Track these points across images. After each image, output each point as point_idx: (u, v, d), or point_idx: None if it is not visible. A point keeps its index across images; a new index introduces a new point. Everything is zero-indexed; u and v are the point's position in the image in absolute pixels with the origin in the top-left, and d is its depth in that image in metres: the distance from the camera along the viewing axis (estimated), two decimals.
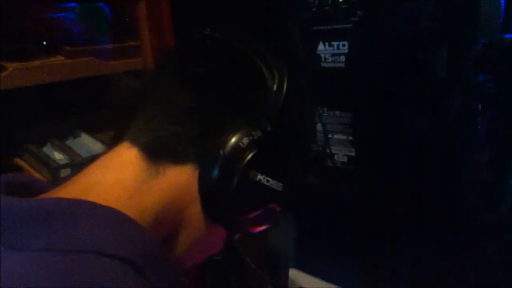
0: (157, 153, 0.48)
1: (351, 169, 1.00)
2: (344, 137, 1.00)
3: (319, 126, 1.01)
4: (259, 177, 0.49)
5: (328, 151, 1.01)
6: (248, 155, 0.48)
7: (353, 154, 1.00)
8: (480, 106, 0.91)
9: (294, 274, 1.01)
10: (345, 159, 1.01)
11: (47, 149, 0.81)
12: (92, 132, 0.86)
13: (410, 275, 0.95)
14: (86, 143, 0.84)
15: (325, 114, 1.00)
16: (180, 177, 0.48)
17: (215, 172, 0.47)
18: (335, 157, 1.01)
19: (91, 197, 0.45)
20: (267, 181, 0.49)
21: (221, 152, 0.47)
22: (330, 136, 1.01)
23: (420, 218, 0.95)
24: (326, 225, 1.04)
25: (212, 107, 0.49)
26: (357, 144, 0.99)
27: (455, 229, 0.91)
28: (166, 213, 0.47)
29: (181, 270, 0.50)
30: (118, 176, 0.47)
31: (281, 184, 0.50)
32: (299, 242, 1.08)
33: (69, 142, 0.83)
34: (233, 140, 0.48)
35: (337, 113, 0.99)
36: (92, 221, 0.43)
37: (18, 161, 0.78)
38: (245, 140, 0.48)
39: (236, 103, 0.49)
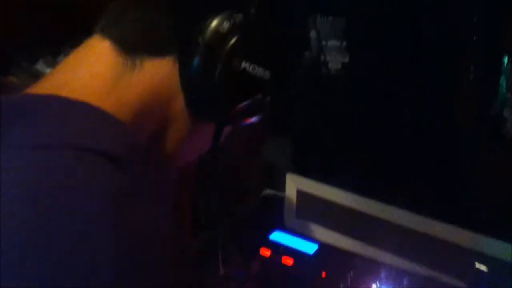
0: (132, 45, 0.45)
1: (345, 76, 1.00)
2: (338, 43, 0.99)
3: (312, 33, 1.00)
4: (244, 64, 0.46)
5: (322, 58, 1.00)
6: (229, 41, 0.45)
7: (347, 60, 1.00)
8: None
9: (292, 178, 1.05)
10: (339, 66, 1.01)
11: (40, 67, 0.83)
12: None
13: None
14: None
15: (318, 20, 0.98)
16: (159, 70, 0.46)
17: (196, 62, 0.45)
18: (329, 64, 1.01)
19: (65, 93, 0.43)
20: (253, 68, 0.46)
21: (201, 40, 0.45)
22: (323, 43, 1.00)
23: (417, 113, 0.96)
24: (323, 130, 1.06)
25: None
26: (351, 51, 0.99)
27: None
28: (148, 109, 0.46)
29: (171, 170, 0.50)
30: (92, 71, 0.45)
31: (268, 72, 0.47)
32: (296, 146, 1.11)
33: (61, 59, 0.84)
34: (213, 25, 0.45)
35: (331, 18, 0.97)
36: (66, 116, 0.42)
37: (11, 78, 0.80)
38: (226, 25, 0.45)
39: None
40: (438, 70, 0.89)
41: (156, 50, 0.46)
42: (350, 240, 0.96)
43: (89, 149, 0.40)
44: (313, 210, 1.02)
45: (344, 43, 0.98)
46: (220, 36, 0.45)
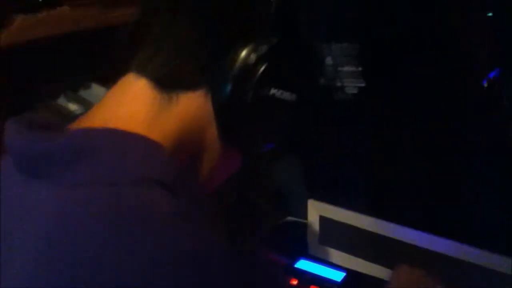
0: (167, 82, 0.48)
1: (363, 100, 1.00)
2: (354, 69, 0.99)
3: (328, 60, 1.01)
4: (272, 91, 0.49)
5: (338, 83, 1.01)
6: (257, 71, 0.48)
7: (363, 85, 1.00)
8: None
9: (313, 204, 1.04)
10: (356, 91, 1.01)
11: (62, 101, 0.83)
12: (103, 83, 0.87)
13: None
14: (98, 93, 0.85)
15: (333, 47, 0.99)
16: (194, 104, 0.49)
17: (227, 93, 0.48)
18: (346, 89, 1.01)
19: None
20: (281, 93, 0.50)
21: (231, 73, 0.47)
22: (339, 69, 1.00)
23: (435, 144, 0.96)
24: (343, 155, 1.05)
25: (216, 30, 0.49)
26: (367, 75, 0.99)
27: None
28: (184, 141, 0.49)
29: (206, 193, 0.53)
30: (132, 110, 0.48)
31: (294, 95, 0.51)
32: (316, 172, 1.10)
33: (81, 93, 0.85)
34: (241, 58, 0.48)
35: (345, 44, 0.98)
36: (125, 148, 0.45)
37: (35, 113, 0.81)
38: (253, 56, 0.48)
39: (239, 22, 0.49)
40: (461, 95, 0.90)
41: (189, 84, 0.48)
42: (377, 267, 0.95)
43: (149, 180, 0.43)
44: (337, 237, 1.01)
45: (360, 68, 0.99)
46: (248, 68, 0.48)
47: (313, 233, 1.02)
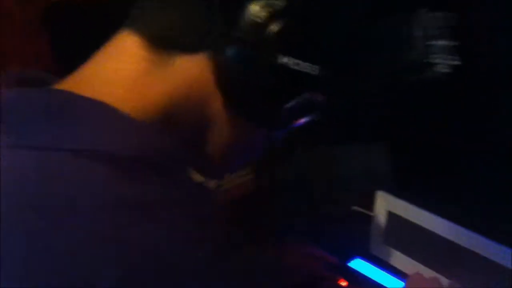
0: (162, 41, 0.43)
1: (455, 79, 0.84)
2: (448, 43, 0.83)
3: (417, 31, 0.85)
4: (285, 60, 0.41)
5: (427, 60, 0.86)
6: (267, 33, 0.40)
7: (458, 63, 0.84)
8: None
9: (382, 197, 0.92)
10: (449, 70, 0.85)
11: None
12: None
13: None
14: None
15: (423, 16, 0.83)
16: (192, 68, 0.43)
17: (231, 58, 0.41)
18: (437, 67, 0.86)
19: (88, 91, 0.41)
20: (297, 64, 0.42)
21: (235, 33, 0.41)
22: (430, 42, 0.85)
23: None
24: (419, 144, 0.91)
25: None
26: (463, 51, 0.83)
27: None
28: (181, 110, 0.43)
29: (219, 175, 0.49)
30: (117, 67, 0.43)
31: (316, 67, 0.42)
32: (388, 162, 0.97)
33: None
34: (248, 15, 0.40)
35: (439, 13, 0.82)
36: (81, 117, 0.40)
37: None
38: (263, 14, 0.40)
39: None
40: None
41: (188, 46, 0.42)
42: (445, 280, 0.81)
43: (105, 153, 0.38)
44: (405, 238, 0.87)
45: (455, 43, 0.82)
46: (256, 27, 0.40)
47: (377, 229, 0.89)
